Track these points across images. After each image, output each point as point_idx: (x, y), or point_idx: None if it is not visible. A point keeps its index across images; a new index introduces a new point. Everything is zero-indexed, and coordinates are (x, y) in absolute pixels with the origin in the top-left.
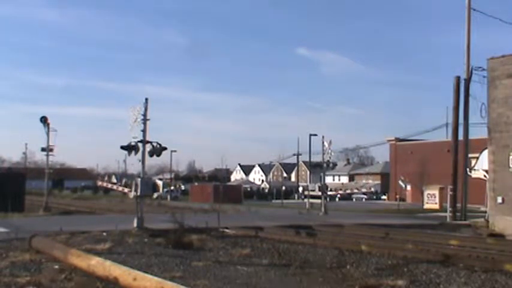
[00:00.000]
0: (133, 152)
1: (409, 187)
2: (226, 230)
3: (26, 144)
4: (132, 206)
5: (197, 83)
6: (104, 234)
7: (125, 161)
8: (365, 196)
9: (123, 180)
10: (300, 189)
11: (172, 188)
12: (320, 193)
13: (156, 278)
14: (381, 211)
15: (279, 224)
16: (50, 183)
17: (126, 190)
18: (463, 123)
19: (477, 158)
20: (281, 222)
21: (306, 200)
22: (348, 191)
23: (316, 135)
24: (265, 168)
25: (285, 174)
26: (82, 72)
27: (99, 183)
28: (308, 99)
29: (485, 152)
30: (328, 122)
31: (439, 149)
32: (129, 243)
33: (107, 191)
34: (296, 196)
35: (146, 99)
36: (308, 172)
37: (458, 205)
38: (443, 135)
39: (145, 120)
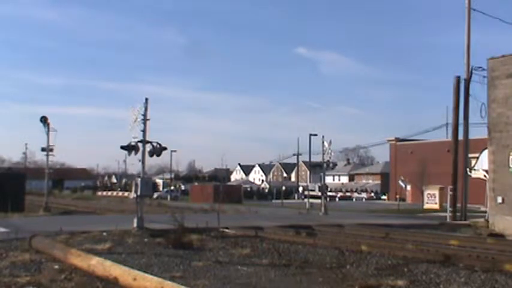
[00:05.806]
0: (133, 152)
1: (409, 187)
2: (226, 230)
3: (26, 144)
4: (132, 206)
5: (197, 83)
6: (104, 234)
7: (125, 161)
8: (365, 196)
9: (123, 180)
10: (300, 189)
11: (172, 188)
12: (320, 193)
13: (156, 278)
14: (380, 211)
15: (279, 224)
16: (50, 183)
17: (126, 194)
18: (463, 123)
19: (477, 158)
20: (281, 222)
21: (306, 200)
22: (348, 194)
23: (316, 135)
24: (265, 168)
25: (285, 174)
26: (82, 72)
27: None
28: (308, 99)
29: (485, 152)
30: (328, 122)
31: (439, 149)
32: (129, 243)
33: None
34: (296, 196)
35: (146, 99)
36: (308, 172)
37: (458, 205)
38: (443, 135)
39: (145, 120)
